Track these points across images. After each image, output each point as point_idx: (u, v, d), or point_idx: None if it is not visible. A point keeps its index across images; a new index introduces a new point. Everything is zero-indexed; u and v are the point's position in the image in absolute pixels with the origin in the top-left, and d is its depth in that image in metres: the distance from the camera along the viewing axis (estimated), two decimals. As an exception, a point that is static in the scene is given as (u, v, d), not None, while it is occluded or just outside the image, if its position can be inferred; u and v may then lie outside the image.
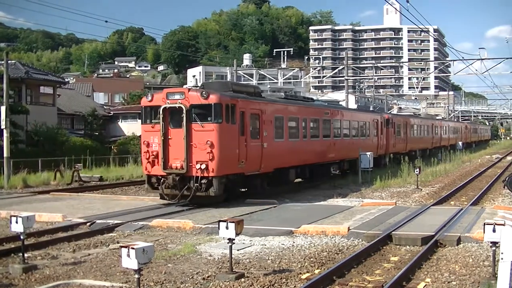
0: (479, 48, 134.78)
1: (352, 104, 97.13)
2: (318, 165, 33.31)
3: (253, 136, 25.59)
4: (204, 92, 23.23)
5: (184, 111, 22.98)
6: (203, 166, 22.66)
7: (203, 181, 22.90)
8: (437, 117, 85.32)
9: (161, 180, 23.81)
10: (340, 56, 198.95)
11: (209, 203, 23.43)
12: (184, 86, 35.32)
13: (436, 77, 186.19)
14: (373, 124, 43.30)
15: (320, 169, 33.66)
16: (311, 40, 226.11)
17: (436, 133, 67.29)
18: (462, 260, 13.59)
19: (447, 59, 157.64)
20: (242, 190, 26.46)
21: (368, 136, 42.08)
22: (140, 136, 26.33)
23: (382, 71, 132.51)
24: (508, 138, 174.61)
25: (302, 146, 30.91)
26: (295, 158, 29.95)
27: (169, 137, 23.62)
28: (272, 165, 27.23)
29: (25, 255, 13.35)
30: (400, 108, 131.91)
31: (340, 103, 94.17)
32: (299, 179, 33.14)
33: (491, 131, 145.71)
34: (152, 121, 24.17)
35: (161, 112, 23.49)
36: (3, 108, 36.30)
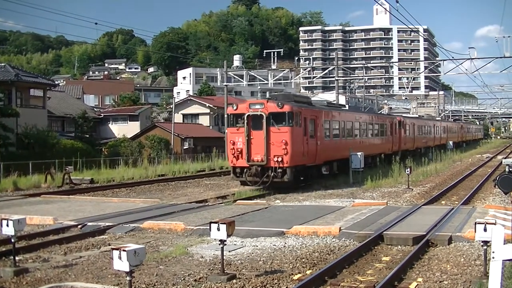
0: (469, 48, 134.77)
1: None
2: (342, 160, 38.26)
3: (311, 136, 33.09)
4: (279, 103, 30.71)
5: (264, 118, 30.32)
6: (279, 159, 29.88)
7: (279, 170, 30.13)
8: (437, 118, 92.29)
9: (245, 170, 30.98)
10: (330, 56, 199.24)
11: (283, 187, 30.81)
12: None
13: (426, 77, 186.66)
14: (389, 125, 50.45)
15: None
16: (301, 41, 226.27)
17: (438, 132, 74.49)
18: (453, 260, 13.61)
19: (437, 59, 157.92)
20: (301, 178, 32.61)
21: (386, 135, 49.57)
22: (226, 137, 33.88)
23: (372, 71, 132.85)
24: (498, 137, 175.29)
25: (341, 144, 38.11)
26: (337, 153, 36.78)
27: (251, 137, 30.71)
28: (322, 159, 34.65)
29: (16, 258, 13.28)
30: (391, 108, 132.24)
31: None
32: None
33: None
34: (237, 125, 31.48)
35: (245, 118, 30.72)
36: (-7, 111, 36.21)
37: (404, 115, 77.04)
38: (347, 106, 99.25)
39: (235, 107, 32.07)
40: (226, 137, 34.24)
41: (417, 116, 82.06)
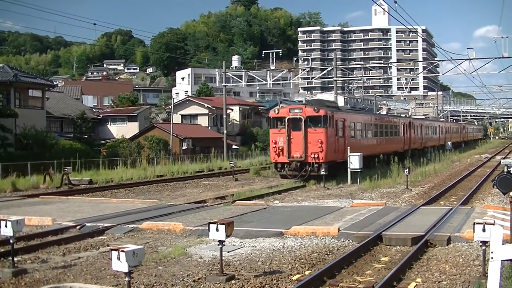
0: (467, 48, 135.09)
1: (341, 105, 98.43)
2: (372, 156, 43.82)
3: (341, 136, 38.55)
4: (316, 108, 36.35)
5: (303, 120, 35.81)
6: (316, 156, 35.27)
7: (316, 165, 35.41)
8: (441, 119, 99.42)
9: (285, 165, 36.49)
10: (329, 57, 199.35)
11: (319, 179, 35.21)
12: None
13: (424, 78, 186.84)
14: (402, 127, 55.43)
15: (373, 159, 44.11)
16: (299, 42, 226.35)
17: (442, 132, 79.25)
18: (452, 260, 13.61)
19: (435, 59, 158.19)
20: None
21: (399, 135, 54.64)
22: (268, 137, 40.07)
23: (371, 71, 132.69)
24: (497, 137, 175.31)
25: (363, 143, 43.67)
26: (360, 151, 38.85)
27: (291, 137, 36.05)
28: (347, 156, 37.55)
29: (15, 259, 13.24)
30: (389, 108, 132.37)
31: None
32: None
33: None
34: (278, 126, 36.92)
35: (286, 121, 36.24)
36: (-8, 111, 36.17)
37: (413, 117, 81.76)
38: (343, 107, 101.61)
39: (276, 111, 37.82)
40: (268, 137, 40.03)
41: (423, 117, 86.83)
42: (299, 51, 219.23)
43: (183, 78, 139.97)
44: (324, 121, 35.89)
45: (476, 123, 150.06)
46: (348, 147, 37.63)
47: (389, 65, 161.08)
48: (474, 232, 11.60)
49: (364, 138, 44.71)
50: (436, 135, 74.42)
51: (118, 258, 9.28)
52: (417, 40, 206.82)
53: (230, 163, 46.80)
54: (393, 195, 28.73)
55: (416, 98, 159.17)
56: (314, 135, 35.58)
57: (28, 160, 40.93)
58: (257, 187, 35.08)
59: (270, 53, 72.36)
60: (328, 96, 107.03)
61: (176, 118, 78.18)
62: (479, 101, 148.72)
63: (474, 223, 11.66)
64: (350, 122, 40.93)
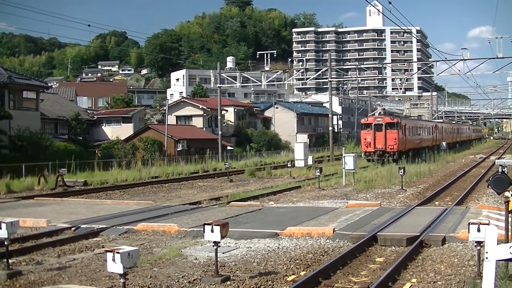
0: (462, 49, 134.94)
1: (336, 106, 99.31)
2: (416, 149, 61.09)
3: (404, 134, 55.66)
4: (391, 117, 56.32)
5: (384, 125, 53.63)
6: (392, 147, 53.13)
7: (392, 153, 53.11)
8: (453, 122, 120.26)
9: (371, 153, 54.26)
10: (324, 58, 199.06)
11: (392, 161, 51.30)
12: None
13: (419, 78, 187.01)
14: (431, 128, 74.81)
15: (418, 151, 61.37)
16: (294, 42, 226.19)
17: (454, 132, 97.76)
18: (447, 260, 13.62)
19: (430, 60, 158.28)
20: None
21: (430, 134, 73.32)
22: (360, 135, 58.79)
23: (365, 72, 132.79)
24: (491, 138, 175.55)
25: (415, 139, 62.24)
26: (413, 145, 60.13)
27: (375, 136, 53.56)
28: (407, 148, 56.53)
29: (10, 261, 13.19)
30: (384, 109, 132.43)
31: (324, 104, 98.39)
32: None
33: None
34: (367, 129, 54.73)
35: (373, 126, 54.03)
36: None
37: (436, 121, 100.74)
38: (340, 107, 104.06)
39: (366, 119, 56.96)
40: (360, 135, 58.42)
41: (442, 121, 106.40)
42: (294, 52, 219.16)
43: (177, 79, 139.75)
44: (397, 125, 54.06)
45: (471, 123, 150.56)
46: (407, 142, 57.17)
47: (384, 65, 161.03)
48: (469, 232, 11.60)
49: (414, 136, 62.09)
50: (450, 134, 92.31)
51: (113, 260, 9.26)
52: (412, 41, 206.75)
53: (225, 164, 46.75)
54: (388, 196, 28.76)
55: (411, 99, 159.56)
56: (391, 134, 53.39)
57: (22, 161, 40.83)
58: (252, 188, 35.10)
59: (265, 54, 72.18)
60: (323, 97, 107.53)
61: (171, 119, 78.09)
62: (474, 101, 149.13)
63: (469, 223, 11.66)
64: (408, 126, 58.37)
